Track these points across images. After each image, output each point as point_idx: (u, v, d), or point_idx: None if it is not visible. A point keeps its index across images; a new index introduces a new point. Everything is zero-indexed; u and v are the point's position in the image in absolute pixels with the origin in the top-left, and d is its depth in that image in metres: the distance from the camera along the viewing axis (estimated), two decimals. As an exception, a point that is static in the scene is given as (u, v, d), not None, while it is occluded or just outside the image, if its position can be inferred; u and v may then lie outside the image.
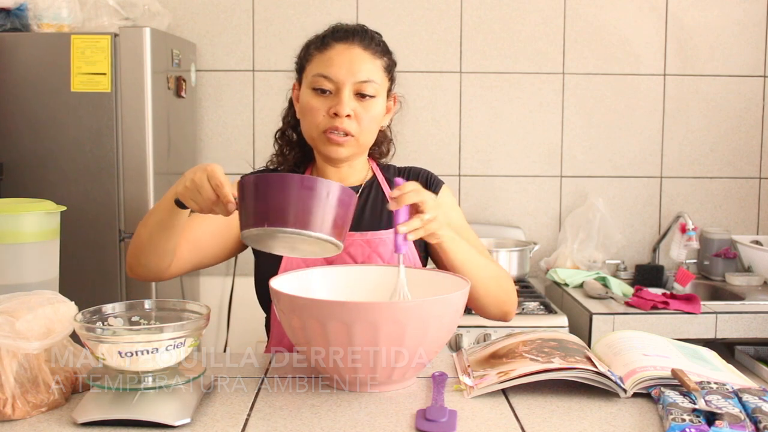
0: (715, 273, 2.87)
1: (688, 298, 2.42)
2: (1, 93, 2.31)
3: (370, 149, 1.61)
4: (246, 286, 2.77)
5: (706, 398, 1.09)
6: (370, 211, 1.58)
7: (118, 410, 1.05)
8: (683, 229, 2.81)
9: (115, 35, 2.29)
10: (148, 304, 1.21)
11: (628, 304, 2.43)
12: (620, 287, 2.60)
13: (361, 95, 1.48)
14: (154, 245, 1.39)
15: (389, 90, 1.56)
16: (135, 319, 1.18)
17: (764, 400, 1.09)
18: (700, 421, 1.02)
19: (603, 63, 2.98)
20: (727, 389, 1.13)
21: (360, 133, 1.49)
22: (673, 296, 2.46)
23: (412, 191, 1.25)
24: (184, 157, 2.72)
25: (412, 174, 1.64)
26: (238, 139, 2.96)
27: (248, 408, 1.13)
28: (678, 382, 1.14)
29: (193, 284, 2.86)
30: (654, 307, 2.38)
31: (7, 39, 2.31)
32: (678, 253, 2.85)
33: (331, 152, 1.50)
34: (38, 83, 2.30)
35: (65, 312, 1.14)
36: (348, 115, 1.47)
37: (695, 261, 2.94)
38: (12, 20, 2.34)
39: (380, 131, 1.59)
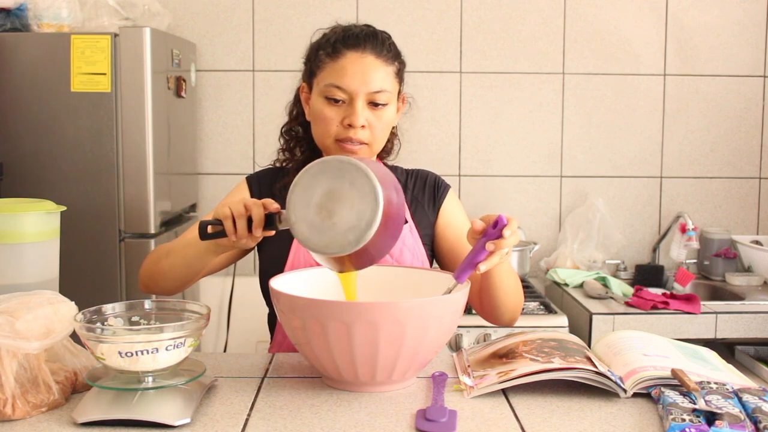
0: (715, 273, 2.87)
1: (688, 298, 2.42)
2: (1, 93, 2.31)
3: None
4: (246, 286, 2.78)
5: (706, 398, 1.09)
6: None
7: (118, 410, 1.05)
8: (683, 229, 2.81)
9: (115, 35, 2.29)
10: (148, 304, 1.21)
11: (628, 304, 2.43)
12: (620, 287, 2.60)
13: (373, 104, 1.48)
14: (175, 275, 1.45)
15: (399, 92, 1.56)
16: (135, 319, 1.18)
17: (764, 400, 1.09)
18: (700, 421, 1.02)
19: (603, 63, 2.98)
20: (727, 389, 1.13)
21: (374, 140, 1.51)
22: (673, 296, 2.46)
23: (513, 235, 1.24)
24: (184, 157, 2.72)
25: (419, 177, 1.64)
26: (238, 139, 2.96)
27: (248, 408, 1.13)
28: (678, 382, 1.14)
29: (193, 284, 2.85)
30: (654, 307, 2.38)
31: (7, 39, 2.31)
32: (678, 253, 2.85)
33: None
34: (38, 83, 2.30)
35: (65, 312, 1.14)
36: (363, 126, 1.47)
37: (695, 261, 2.94)
38: (12, 20, 2.34)
39: None
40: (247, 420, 1.09)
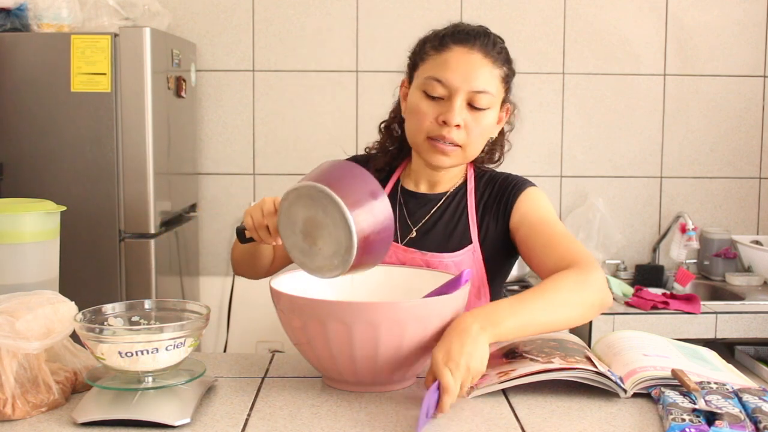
0: (715, 273, 2.87)
1: (688, 298, 2.42)
2: (1, 93, 2.31)
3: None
4: (246, 286, 2.78)
5: (706, 398, 1.09)
6: (443, 226, 1.49)
7: (118, 410, 1.05)
8: (683, 229, 2.81)
9: (115, 35, 2.29)
10: (148, 304, 1.21)
11: (628, 304, 2.43)
12: (620, 287, 2.60)
13: (473, 106, 1.40)
14: (246, 265, 1.55)
15: (504, 100, 1.49)
16: (135, 319, 1.18)
17: (764, 400, 1.09)
18: (700, 421, 1.02)
19: (603, 63, 2.98)
20: (727, 389, 1.13)
21: (468, 144, 1.42)
22: (673, 296, 2.46)
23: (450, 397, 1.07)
24: (184, 157, 2.72)
25: (490, 182, 1.53)
26: (238, 139, 2.96)
27: (248, 408, 1.13)
28: (678, 382, 1.14)
29: (193, 284, 2.86)
30: (654, 307, 2.38)
31: (7, 39, 2.30)
32: (678, 253, 2.85)
33: (434, 160, 1.43)
34: (38, 83, 2.30)
35: (65, 312, 1.14)
36: (458, 125, 1.39)
37: (695, 261, 2.94)
38: (12, 20, 2.34)
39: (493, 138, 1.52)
40: (247, 420, 1.09)
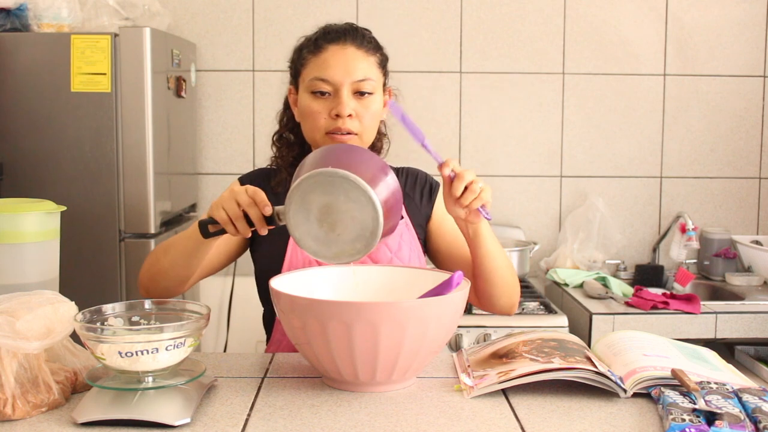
0: (715, 273, 2.87)
1: (688, 298, 2.42)
2: (1, 93, 2.31)
3: None
4: (246, 286, 2.77)
5: (706, 398, 1.09)
6: None
7: (118, 410, 1.05)
8: (683, 229, 2.81)
9: (115, 35, 2.29)
10: (148, 304, 1.21)
11: (628, 304, 2.43)
12: (620, 287, 2.60)
13: (359, 93, 1.50)
14: (176, 272, 1.45)
15: (384, 84, 1.58)
16: (135, 319, 1.18)
17: (764, 400, 1.09)
18: (700, 421, 1.02)
19: (603, 63, 2.98)
20: (727, 389, 1.13)
21: (363, 130, 1.51)
22: (673, 296, 2.46)
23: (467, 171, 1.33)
24: (184, 157, 2.72)
25: (410, 174, 1.65)
26: (238, 139, 2.96)
27: (248, 408, 1.13)
28: (678, 382, 1.14)
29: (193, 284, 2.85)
30: (654, 307, 2.38)
31: (7, 39, 2.30)
32: (678, 253, 2.85)
33: None
34: (38, 83, 2.30)
35: (65, 312, 1.13)
36: (350, 115, 1.48)
37: (695, 261, 2.94)
38: (12, 20, 2.34)
39: None
40: (247, 420, 1.09)
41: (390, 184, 1.20)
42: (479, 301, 1.52)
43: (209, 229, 1.28)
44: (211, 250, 1.44)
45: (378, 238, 1.15)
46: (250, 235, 1.27)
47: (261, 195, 1.24)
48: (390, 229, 1.22)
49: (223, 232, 1.27)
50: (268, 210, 1.23)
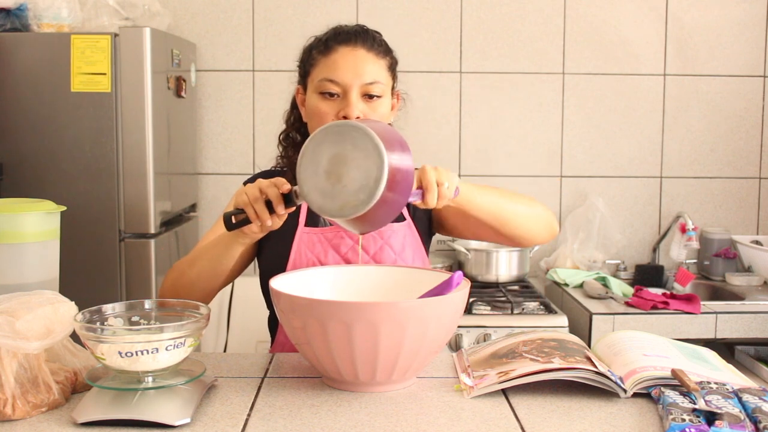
0: (715, 273, 2.87)
1: (688, 298, 2.42)
2: (1, 93, 2.31)
3: None
4: (246, 286, 2.77)
5: (706, 398, 1.09)
6: None
7: (118, 410, 1.05)
8: (683, 229, 2.81)
9: (115, 35, 2.29)
10: (148, 304, 1.21)
11: (628, 304, 2.43)
12: (620, 287, 2.60)
13: (368, 96, 1.49)
14: (203, 284, 1.47)
15: (393, 88, 1.58)
16: (135, 319, 1.18)
17: (764, 400, 1.09)
18: (700, 421, 1.02)
19: (603, 63, 2.98)
20: (727, 389, 1.13)
21: None
22: (673, 296, 2.46)
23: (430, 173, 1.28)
24: (184, 157, 2.72)
25: None
26: (238, 139, 2.96)
27: (248, 408, 1.13)
28: (678, 382, 1.14)
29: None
30: (654, 307, 2.38)
31: (7, 39, 2.31)
32: (678, 253, 2.85)
33: None
34: (38, 83, 2.30)
35: (65, 312, 1.14)
36: (357, 117, 1.47)
37: (695, 261, 2.94)
38: (12, 20, 2.34)
39: None
40: (247, 420, 1.09)
41: (400, 152, 1.19)
42: (521, 241, 1.52)
43: (232, 219, 1.30)
44: (237, 254, 1.45)
45: (381, 188, 1.14)
46: (268, 221, 1.27)
47: (281, 178, 1.27)
48: (393, 205, 1.20)
49: (245, 222, 1.29)
50: (287, 187, 1.25)
